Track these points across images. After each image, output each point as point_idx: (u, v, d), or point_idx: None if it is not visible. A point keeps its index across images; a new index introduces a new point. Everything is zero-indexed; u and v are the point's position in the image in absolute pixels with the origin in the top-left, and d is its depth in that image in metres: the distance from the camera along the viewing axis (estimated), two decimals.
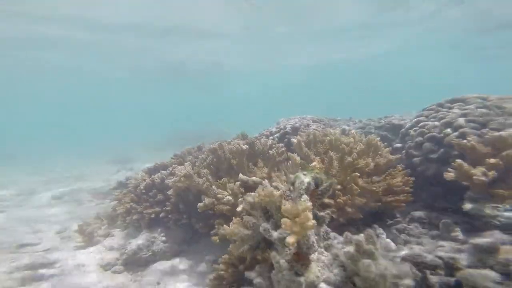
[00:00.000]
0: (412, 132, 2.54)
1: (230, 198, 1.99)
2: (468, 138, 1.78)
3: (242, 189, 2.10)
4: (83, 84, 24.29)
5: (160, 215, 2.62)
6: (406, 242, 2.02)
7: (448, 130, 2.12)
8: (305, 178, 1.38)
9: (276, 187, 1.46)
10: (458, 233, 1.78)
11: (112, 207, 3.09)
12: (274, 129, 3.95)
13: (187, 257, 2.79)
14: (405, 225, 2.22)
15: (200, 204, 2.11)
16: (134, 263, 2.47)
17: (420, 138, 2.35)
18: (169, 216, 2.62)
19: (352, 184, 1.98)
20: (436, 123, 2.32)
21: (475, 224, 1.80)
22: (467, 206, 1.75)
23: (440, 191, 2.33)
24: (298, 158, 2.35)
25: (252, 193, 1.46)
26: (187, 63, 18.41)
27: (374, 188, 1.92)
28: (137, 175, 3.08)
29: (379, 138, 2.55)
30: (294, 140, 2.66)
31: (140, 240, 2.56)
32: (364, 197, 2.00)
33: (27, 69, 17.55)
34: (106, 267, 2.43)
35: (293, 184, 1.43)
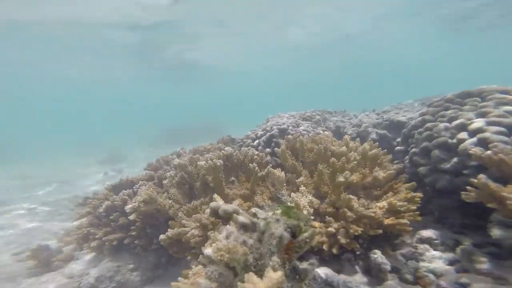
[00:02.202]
0: (417, 134, 2.14)
1: (195, 232, 1.60)
2: (494, 149, 1.38)
3: (213, 219, 1.71)
4: (77, 82, 23.35)
5: (125, 241, 2.24)
6: (415, 272, 1.67)
7: (463, 135, 1.72)
8: (277, 229, 0.99)
9: (242, 243, 1.07)
10: (485, 265, 1.42)
11: (66, 230, 2.69)
12: (260, 131, 3.52)
13: (163, 284, 2.45)
14: (412, 249, 1.87)
15: (162, 237, 1.72)
16: None
17: (427, 144, 1.95)
18: (136, 242, 2.24)
19: (345, 209, 1.59)
20: (447, 124, 1.91)
21: (503, 246, 1.45)
22: (496, 233, 1.38)
23: (453, 203, 1.97)
24: (282, 175, 1.95)
25: (211, 247, 1.07)
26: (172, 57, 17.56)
27: (372, 214, 1.54)
28: (97, 195, 2.67)
29: (377, 144, 2.14)
30: (278, 150, 2.25)
31: (100, 271, 2.19)
32: (360, 223, 1.62)
33: (21, 62, 16.61)
34: None
35: (262, 233, 1.04)
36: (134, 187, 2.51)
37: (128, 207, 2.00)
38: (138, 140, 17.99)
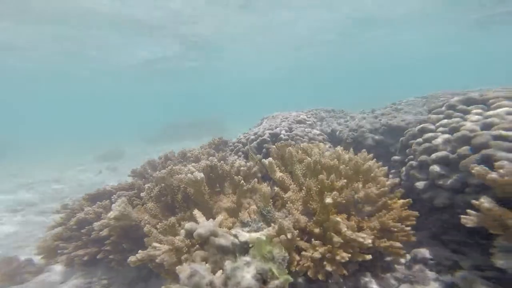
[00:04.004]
0: (415, 145, 1.97)
1: (165, 258, 1.44)
2: (501, 171, 1.22)
3: (189, 241, 1.55)
4: (76, 77, 22.94)
5: (98, 257, 2.08)
6: None
7: (466, 150, 1.56)
8: (246, 275, 0.83)
9: (208, 285, 0.90)
10: None
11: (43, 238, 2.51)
12: (251, 136, 3.35)
13: None
14: (406, 271, 1.72)
15: (131, 259, 1.57)
16: None
17: (426, 157, 1.78)
18: (111, 256, 2.09)
19: (332, 233, 1.43)
20: (447, 136, 1.74)
21: (507, 273, 1.30)
22: (500, 261, 1.23)
23: (451, 219, 1.81)
24: (267, 190, 1.79)
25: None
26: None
27: (361, 240, 1.38)
28: (74, 203, 2.50)
29: (371, 156, 1.98)
30: (265, 162, 2.08)
31: (68, 287, 2.04)
32: (349, 248, 1.47)
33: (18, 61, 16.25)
34: None
35: (229, 278, 0.88)
36: (112, 197, 2.35)
37: (97, 224, 1.84)
38: (137, 136, 17.81)
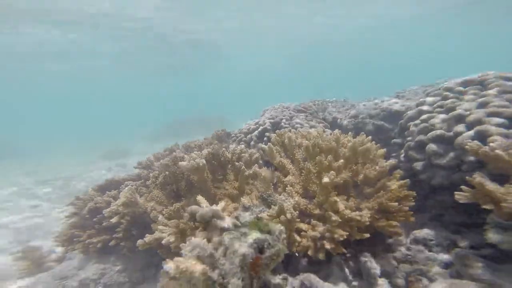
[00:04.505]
0: (412, 127, 1.99)
1: (170, 239, 1.53)
2: (492, 144, 1.24)
3: (192, 224, 1.63)
4: (80, 76, 23.20)
5: (110, 244, 2.20)
6: (407, 276, 1.58)
7: (461, 128, 1.57)
8: (241, 246, 0.89)
9: (209, 256, 0.98)
10: (479, 270, 1.32)
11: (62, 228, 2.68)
12: (252, 125, 3.39)
13: (155, 284, 2.43)
14: (406, 251, 1.77)
15: (139, 242, 1.67)
16: None
17: (423, 137, 1.80)
18: (122, 243, 2.21)
19: (330, 212, 1.49)
20: (444, 115, 1.75)
21: (503, 250, 1.34)
22: (493, 237, 1.27)
23: (450, 200, 1.84)
24: (268, 174, 1.85)
25: (171, 263, 0.99)
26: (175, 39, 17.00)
27: (358, 218, 1.43)
28: (84, 195, 2.63)
29: (370, 138, 2.00)
30: (265, 147, 2.13)
31: (85, 273, 2.18)
32: (347, 227, 1.52)
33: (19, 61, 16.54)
34: None
35: (227, 248, 0.95)
36: (120, 187, 2.45)
37: (106, 211, 1.94)
38: (142, 134, 18.05)
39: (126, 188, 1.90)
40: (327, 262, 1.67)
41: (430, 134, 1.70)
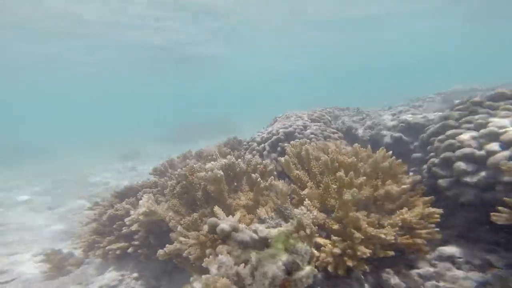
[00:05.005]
0: (437, 142, 1.92)
1: (191, 251, 1.53)
2: None
3: (212, 236, 1.63)
4: (91, 77, 24.19)
5: (128, 251, 2.24)
6: None
7: (494, 147, 1.50)
8: (270, 268, 0.88)
9: (235, 275, 0.97)
10: None
11: (79, 233, 2.76)
12: (265, 135, 3.39)
13: None
14: (431, 268, 1.68)
15: (160, 252, 1.68)
16: None
17: (449, 154, 1.73)
18: (139, 251, 2.24)
19: (352, 229, 1.45)
20: (473, 133, 1.68)
21: None
22: None
23: (479, 217, 1.75)
24: (285, 187, 1.83)
25: (199, 281, 1.00)
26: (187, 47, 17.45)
27: (383, 236, 1.39)
28: (103, 201, 2.71)
29: (390, 153, 1.95)
30: (282, 159, 2.12)
31: (103, 280, 2.22)
32: (369, 244, 1.48)
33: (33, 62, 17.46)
34: None
35: (255, 268, 0.94)
36: (138, 194, 2.51)
37: (127, 220, 1.99)
38: (153, 136, 18.49)
39: (145, 196, 1.94)
40: (346, 277, 1.61)
41: (459, 152, 1.63)
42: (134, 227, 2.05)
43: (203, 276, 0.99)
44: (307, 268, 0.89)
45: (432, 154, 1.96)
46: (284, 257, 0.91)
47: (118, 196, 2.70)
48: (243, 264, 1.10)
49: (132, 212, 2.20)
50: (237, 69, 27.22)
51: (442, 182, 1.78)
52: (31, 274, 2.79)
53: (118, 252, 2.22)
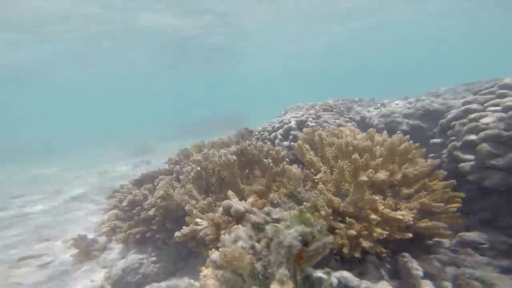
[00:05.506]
0: (458, 126, 1.83)
1: (207, 231, 1.58)
2: None
3: (226, 218, 1.67)
4: (100, 75, 24.96)
5: (147, 235, 2.35)
6: (456, 279, 1.44)
7: None
8: (286, 237, 0.90)
9: (251, 248, 1.00)
10: None
11: (101, 220, 2.92)
12: (276, 124, 3.38)
13: (183, 277, 2.53)
14: (451, 254, 1.63)
15: (177, 234, 1.75)
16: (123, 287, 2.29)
17: (473, 137, 1.65)
18: (157, 235, 2.34)
19: (369, 211, 1.43)
20: (500, 114, 1.59)
21: None
22: None
23: (506, 203, 1.66)
24: (298, 171, 1.83)
25: (217, 252, 1.03)
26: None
27: (400, 217, 1.36)
28: (122, 188, 2.84)
29: (407, 137, 1.89)
30: (295, 144, 2.12)
31: (126, 263, 2.34)
32: (386, 226, 1.45)
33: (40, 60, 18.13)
34: None
35: (271, 240, 0.96)
36: (154, 181, 2.60)
37: (146, 203, 2.07)
38: (160, 134, 18.94)
39: (162, 182, 2.01)
40: (361, 261, 1.60)
41: (483, 133, 1.55)
42: (152, 212, 2.14)
43: (221, 248, 1.02)
44: (325, 238, 0.90)
45: (453, 138, 1.88)
46: (300, 228, 0.91)
47: (135, 183, 2.82)
48: (259, 238, 1.13)
49: (149, 197, 2.29)
50: (243, 67, 27.15)
51: (464, 165, 1.70)
52: (65, 257, 3.02)
53: (138, 236, 2.33)
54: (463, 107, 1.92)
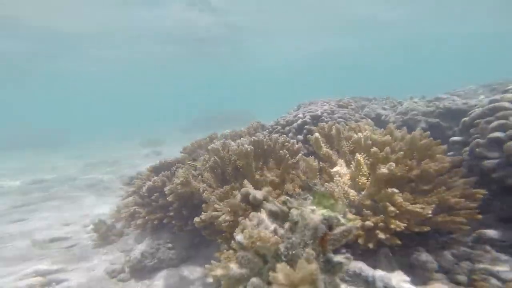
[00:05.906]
0: (483, 124, 1.79)
1: (226, 217, 1.64)
2: None
3: (244, 205, 1.72)
4: (112, 68, 25.55)
5: (164, 221, 2.45)
6: (471, 274, 1.44)
7: None
8: (313, 219, 0.93)
9: (273, 231, 1.04)
10: None
11: (117, 206, 3.06)
12: (291, 118, 3.39)
13: (195, 264, 2.62)
14: (468, 249, 1.61)
15: (196, 219, 1.82)
16: (140, 271, 2.41)
17: (499, 134, 1.61)
18: (173, 222, 2.43)
19: (387, 203, 1.44)
20: None
21: None
22: None
23: None
24: (315, 164, 1.85)
25: (242, 233, 1.08)
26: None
27: (419, 210, 1.36)
28: (140, 175, 2.95)
29: (428, 133, 1.86)
30: (311, 137, 2.13)
31: (143, 247, 2.46)
32: (404, 219, 1.46)
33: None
34: (112, 273, 2.42)
35: (295, 223, 1.00)
36: (171, 169, 2.69)
37: (166, 188, 2.16)
38: (172, 127, 19.33)
39: (182, 169, 2.08)
40: (373, 253, 1.62)
41: (510, 132, 1.51)
42: (170, 198, 2.22)
43: (245, 230, 1.07)
44: (348, 224, 0.93)
45: (477, 135, 1.84)
46: (325, 212, 0.95)
47: (153, 171, 2.93)
48: (280, 223, 1.17)
49: (167, 183, 2.38)
50: (249, 64, 26.95)
51: (487, 163, 1.67)
52: (85, 241, 3.20)
53: (155, 222, 2.43)
54: (490, 105, 1.87)
